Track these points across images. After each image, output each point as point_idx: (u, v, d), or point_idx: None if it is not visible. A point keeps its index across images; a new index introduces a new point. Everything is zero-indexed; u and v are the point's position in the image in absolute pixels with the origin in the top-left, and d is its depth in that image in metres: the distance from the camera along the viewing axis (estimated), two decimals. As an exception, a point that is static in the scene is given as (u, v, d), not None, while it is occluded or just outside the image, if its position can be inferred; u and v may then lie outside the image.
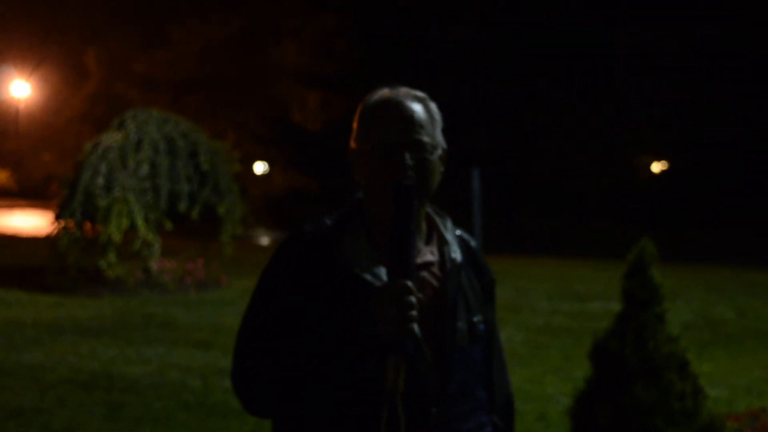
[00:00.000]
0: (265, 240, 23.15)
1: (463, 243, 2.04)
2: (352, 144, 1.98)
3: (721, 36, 25.36)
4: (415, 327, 1.76)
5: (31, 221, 26.23)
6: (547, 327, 9.80)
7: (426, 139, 1.91)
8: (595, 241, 20.68)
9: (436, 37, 25.86)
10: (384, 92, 1.97)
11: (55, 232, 12.25)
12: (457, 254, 1.98)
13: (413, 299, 1.75)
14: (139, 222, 12.08)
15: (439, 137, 1.96)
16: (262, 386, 1.86)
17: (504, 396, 2.07)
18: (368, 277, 1.87)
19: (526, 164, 26.43)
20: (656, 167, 31.57)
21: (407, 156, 1.88)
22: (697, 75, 25.81)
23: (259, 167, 36.64)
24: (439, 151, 1.95)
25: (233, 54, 37.23)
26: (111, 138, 12.62)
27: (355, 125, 1.98)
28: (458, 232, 2.05)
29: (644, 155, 30.60)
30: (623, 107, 26.65)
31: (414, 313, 1.74)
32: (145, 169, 12.37)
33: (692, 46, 25.60)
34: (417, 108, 1.94)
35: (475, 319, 1.96)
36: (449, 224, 2.03)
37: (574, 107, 26.12)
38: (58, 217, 12.31)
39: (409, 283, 1.75)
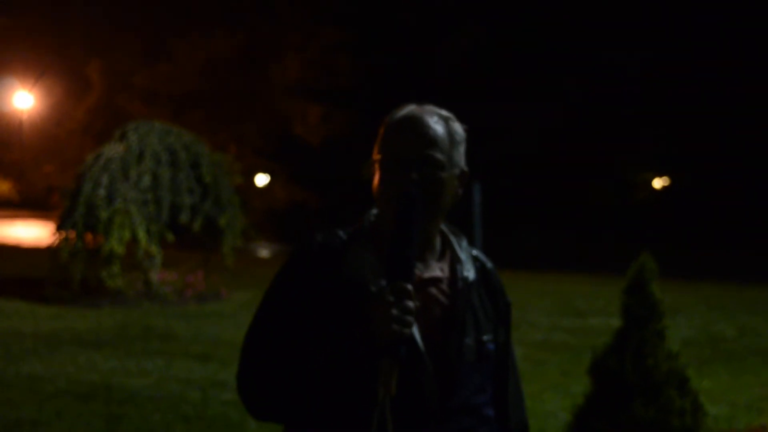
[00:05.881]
0: (265, 253, 23.13)
1: (478, 264, 2.05)
2: (374, 156, 2.00)
3: (725, 51, 25.41)
4: (411, 332, 1.77)
5: (32, 232, 26.21)
6: (546, 343, 9.77)
7: (438, 155, 1.92)
8: (595, 257, 20.65)
9: (437, 52, 25.93)
10: (409, 108, 2.00)
11: (56, 243, 12.25)
12: (470, 273, 1.99)
13: (411, 304, 1.76)
14: (141, 234, 12.08)
15: (458, 157, 1.97)
16: (266, 390, 1.88)
17: (519, 422, 2.09)
18: (372, 288, 1.88)
19: (527, 179, 26.44)
20: (658, 183, 31.59)
21: (414, 170, 1.90)
22: (699, 91, 25.85)
23: (261, 180, 36.64)
24: (456, 171, 1.96)
25: (235, 68, 37.32)
26: (113, 149, 12.64)
27: (378, 139, 2.01)
28: (475, 252, 2.07)
29: (646, 171, 30.63)
30: (625, 123, 26.68)
31: (410, 318, 1.75)
32: (146, 180, 12.38)
33: (694, 62, 25.65)
34: (435, 125, 1.95)
35: (485, 338, 1.98)
36: (464, 244, 2.05)
37: (575, 123, 26.16)
38: (59, 228, 12.31)
39: (409, 287, 1.77)
